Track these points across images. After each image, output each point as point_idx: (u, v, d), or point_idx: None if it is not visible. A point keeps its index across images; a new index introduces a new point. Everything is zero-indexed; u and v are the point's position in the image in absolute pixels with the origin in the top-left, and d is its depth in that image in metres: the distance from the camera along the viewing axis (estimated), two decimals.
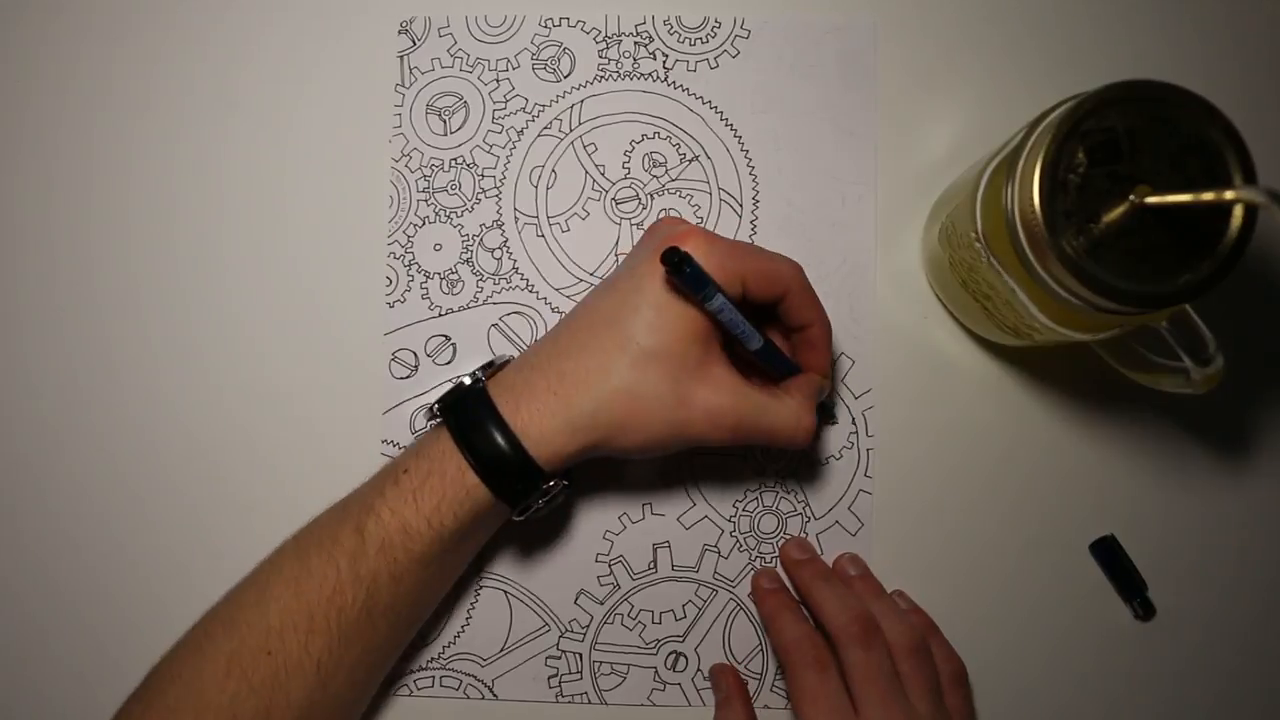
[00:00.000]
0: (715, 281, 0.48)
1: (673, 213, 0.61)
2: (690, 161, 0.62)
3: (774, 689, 0.59)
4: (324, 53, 0.63)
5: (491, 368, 0.53)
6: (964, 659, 0.58)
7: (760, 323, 0.53)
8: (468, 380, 0.52)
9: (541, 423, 0.49)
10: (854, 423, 0.60)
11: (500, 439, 0.49)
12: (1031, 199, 0.44)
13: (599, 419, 0.49)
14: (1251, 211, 0.43)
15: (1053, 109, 0.46)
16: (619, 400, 0.49)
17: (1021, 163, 0.45)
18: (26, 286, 0.62)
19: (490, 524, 0.53)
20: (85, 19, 0.63)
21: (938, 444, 0.61)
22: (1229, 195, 0.41)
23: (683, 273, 0.46)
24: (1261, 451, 0.60)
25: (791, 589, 0.59)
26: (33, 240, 0.62)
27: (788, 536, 0.60)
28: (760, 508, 0.60)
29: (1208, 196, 0.42)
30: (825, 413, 0.60)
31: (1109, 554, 0.59)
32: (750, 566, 0.60)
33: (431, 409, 0.52)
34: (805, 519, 0.60)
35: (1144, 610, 0.59)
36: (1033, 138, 0.45)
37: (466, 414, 0.50)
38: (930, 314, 0.61)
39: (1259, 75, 0.62)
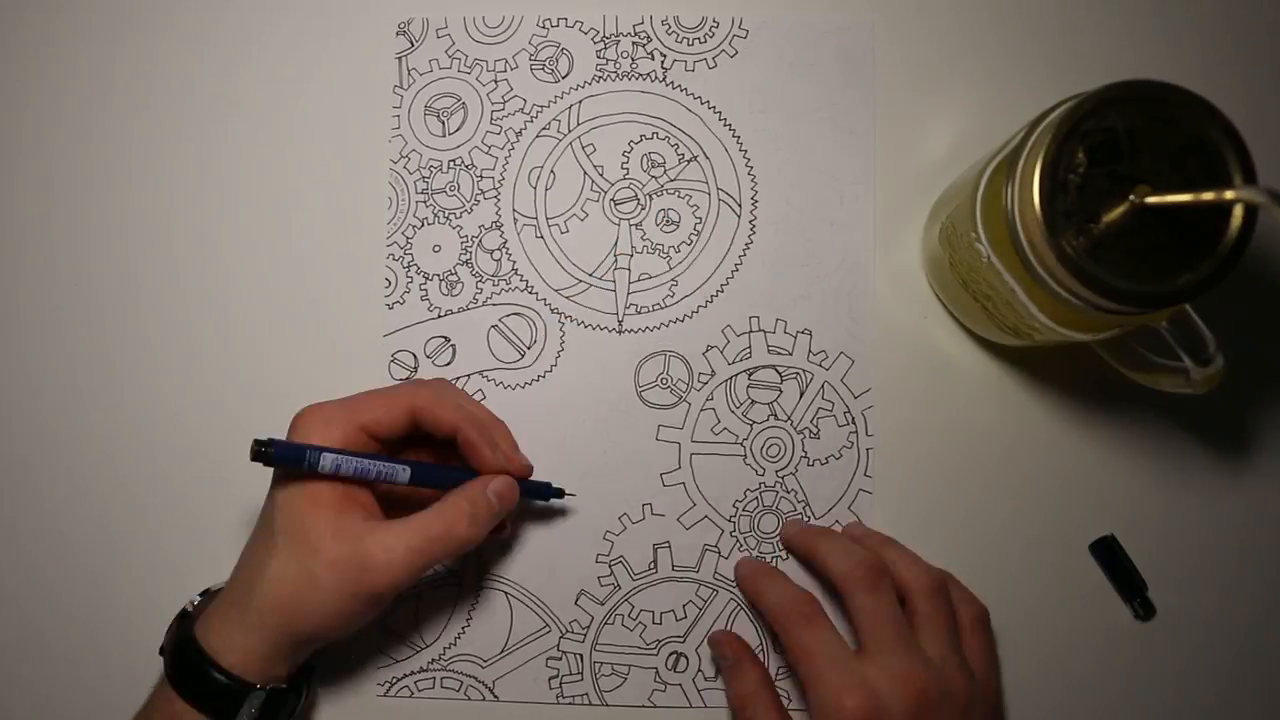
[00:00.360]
0: (306, 445, 0.50)
1: (671, 214, 0.61)
2: (689, 161, 0.62)
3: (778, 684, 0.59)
4: (322, 54, 0.63)
5: (207, 594, 0.55)
6: None
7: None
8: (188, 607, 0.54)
9: (224, 634, 0.50)
10: (853, 422, 0.60)
11: (193, 657, 0.50)
12: (1031, 199, 0.44)
13: (266, 611, 0.50)
14: (1251, 211, 0.43)
15: (1053, 109, 0.46)
16: (276, 587, 0.50)
17: (1021, 163, 0.45)
18: (26, 286, 0.62)
19: None
20: (85, 19, 0.63)
21: (938, 444, 0.60)
22: (1229, 195, 0.41)
23: (271, 458, 0.49)
24: (1261, 451, 0.60)
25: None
26: (32, 239, 0.62)
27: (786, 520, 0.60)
28: (760, 508, 0.60)
29: (1208, 196, 0.42)
30: (552, 493, 0.59)
31: (1109, 554, 0.59)
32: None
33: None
34: (805, 519, 0.60)
35: (1144, 610, 0.59)
36: (1033, 138, 0.45)
37: (172, 645, 0.51)
38: (930, 314, 0.61)
39: (1259, 75, 0.62)
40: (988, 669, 0.54)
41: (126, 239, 0.62)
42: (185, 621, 0.52)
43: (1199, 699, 0.59)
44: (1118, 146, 0.43)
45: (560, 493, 0.59)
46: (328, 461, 0.50)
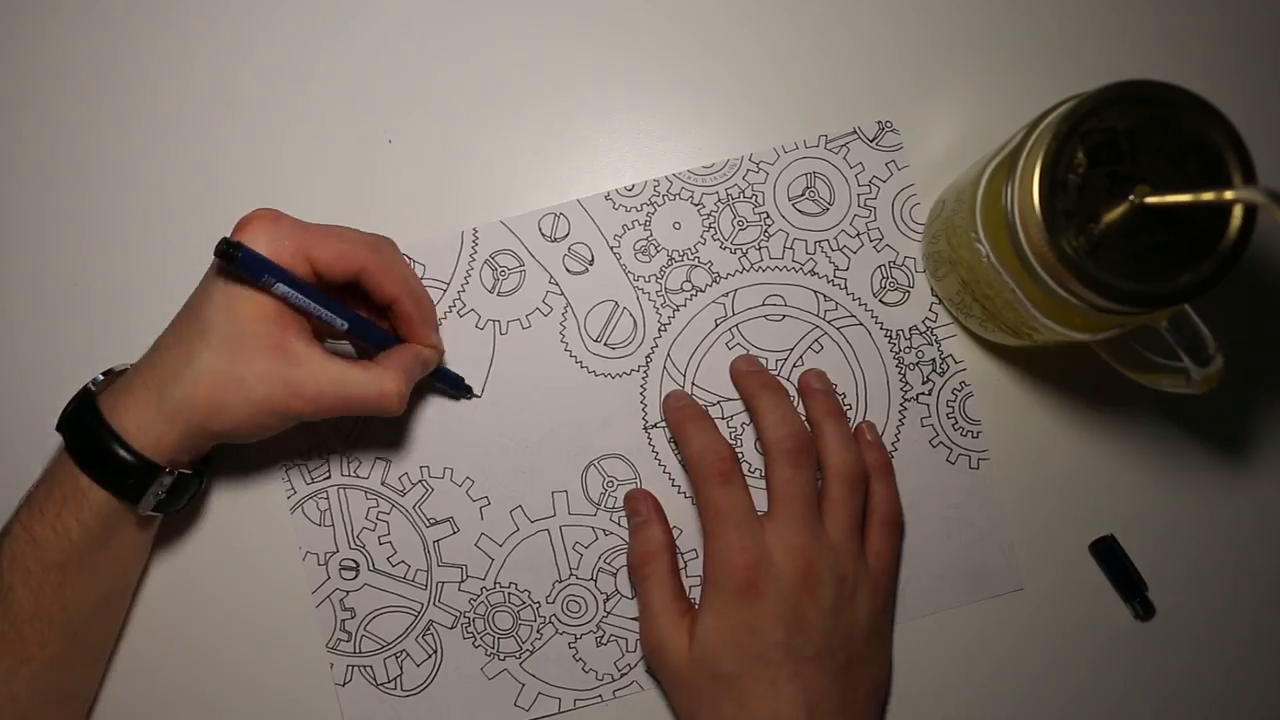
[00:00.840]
0: (276, 266, 0.50)
1: None
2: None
3: None
4: (321, 54, 0.63)
5: (110, 374, 0.55)
6: (963, 659, 0.58)
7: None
8: (91, 386, 0.54)
9: (137, 415, 0.51)
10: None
11: (103, 437, 0.50)
12: (1031, 199, 0.44)
13: (187, 405, 0.50)
14: (1251, 211, 0.43)
15: (1053, 109, 0.46)
16: (202, 384, 0.50)
17: (1021, 163, 0.45)
18: (24, 285, 0.62)
19: (129, 521, 0.54)
20: (83, 19, 0.63)
21: None
22: (1229, 195, 0.41)
23: (235, 260, 0.48)
24: (1261, 451, 0.60)
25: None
26: (31, 239, 0.62)
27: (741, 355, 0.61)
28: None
29: (1207, 196, 0.42)
30: (459, 386, 0.60)
31: (1109, 554, 0.59)
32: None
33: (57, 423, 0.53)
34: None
35: (1144, 610, 0.59)
36: (1033, 138, 0.45)
37: (75, 421, 0.52)
38: (930, 314, 0.61)
39: (1259, 75, 0.62)
40: (884, 565, 0.56)
41: (123, 236, 0.62)
42: (90, 399, 0.52)
43: (1199, 699, 0.59)
44: (1118, 146, 0.43)
45: (469, 391, 0.60)
46: (279, 288, 0.50)
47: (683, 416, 0.58)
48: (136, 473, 0.51)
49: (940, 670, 0.58)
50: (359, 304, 0.55)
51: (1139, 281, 0.43)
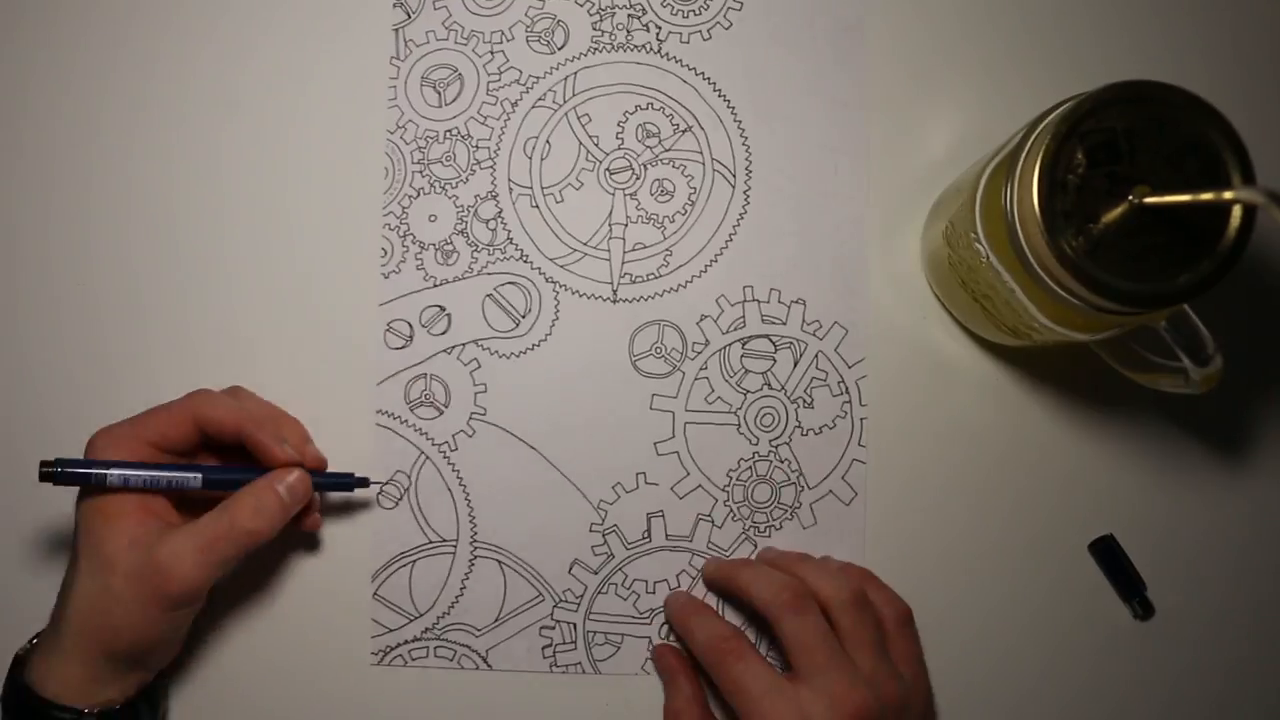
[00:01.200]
0: (96, 462, 0.51)
1: (665, 184, 0.62)
2: (684, 132, 0.62)
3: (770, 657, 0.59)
4: (319, 27, 0.63)
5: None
6: (962, 658, 0.59)
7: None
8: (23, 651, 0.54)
9: (47, 663, 0.51)
10: (847, 392, 0.61)
11: (24, 699, 0.50)
12: (1031, 199, 0.44)
13: (77, 634, 0.50)
14: (1250, 211, 0.43)
15: (1052, 109, 0.46)
16: (81, 612, 0.50)
17: (1021, 163, 0.45)
18: (26, 284, 0.62)
19: None
20: (83, 18, 0.63)
21: (937, 445, 0.61)
22: (1228, 195, 0.41)
23: (58, 478, 0.50)
24: (1260, 451, 0.60)
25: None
26: (32, 238, 0.62)
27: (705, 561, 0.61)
28: (754, 477, 0.60)
29: (1206, 197, 0.42)
30: (348, 483, 0.58)
31: (1108, 554, 0.59)
32: (744, 536, 0.60)
33: None
34: (799, 488, 0.60)
35: (1143, 610, 0.59)
36: (1032, 138, 0.45)
37: (5, 687, 0.52)
38: (930, 314, 0.61)
39: (1259, 75, 0.62)
40: (916, 669, 0.55)
41: (126, 214, 0.62)
42: (18, 665, 0.53)
43: (1198, 699, 0.59)
44: (1117, 147, 0.43)
45: (364, 481, 0.58)
46: (115, 476, 0.51)
47: (683, 614, 0.58)
48: (41, 716, 0.50)
49: (939, 670, 0.57)
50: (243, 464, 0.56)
51: (1138, 282, 0.43)
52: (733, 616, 0.60)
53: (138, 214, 0.62)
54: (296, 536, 0.59)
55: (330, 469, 0.58)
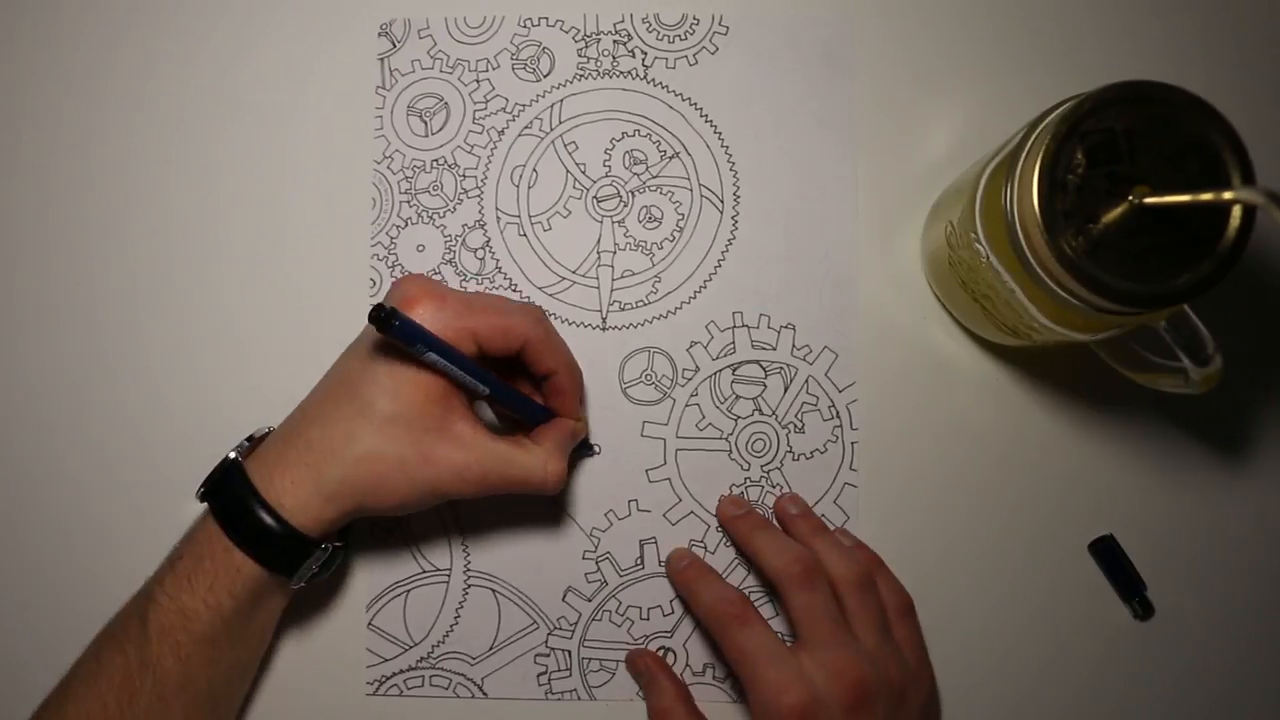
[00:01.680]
0: (430, 335, 0.49)
1: (653, 211, 0.62)
2: (671, 158, 0.62)
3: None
4: (307, 56, 0.63)
5: (252, 441, 0.55)
6: (963, 658, 0.58)
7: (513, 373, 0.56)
8: (233, 455, 0.53)
9: (296, 492, 0.50)
10: (838, 416, 0.61)
11: (260, 514, 0.50)
12: (1030, 199, 0.44)
13: (348, 485, 0.50)
14: (1250, 212, 0.43)
15: (1052, 109, 0.46)
16: (364, 466, 0.50)
17: (1020, 163, 0.45)
18: (24, 285, 0.62)
19: (276, 593, 0.54)
20: (82, 20, 0.63)
21: (937, 444, 0.60)
22: (1227, 196, 0.41)
23: (391, 328, 0.47)
24: (1260, 451, 0.60)
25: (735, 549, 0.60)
26: (30, 239, 0.62)
27: (724, 495, 0.60)
28: None
29: (1206, 197, 0.42)
30: (584, 448, 0.60)
31: (1108, 554, 0.59)
32: (736, 562, 0.60)
33: (198, 491, 0.53)
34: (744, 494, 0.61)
35: (1143, 610, 0.59)
36: (1032, 138, 0.45)
37: (226, 494, 0.51)
38: (930, 314, 0.61)
39: (1259, 75, 0.62)
40: (919, 653, 0.56)
41: (123, 239, 0.62)
42: (239, 472, 0.52)
43: (1198, 698, 0.59)
44: (1117, 147, 0.43)
45: (592, 449, 0.60)
46: (431, 357, 0.49)
47: (687, 576, 0.58)
48: (293, 550, 0.51)
49: (940, 670, 0.58)
50: (511, 375, 0.56)
51: (1138, 282, 0.43)
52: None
53: (135, 218, 0.62)
54: None
55: None
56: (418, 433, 0.50)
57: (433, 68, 0.62)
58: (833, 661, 0.51)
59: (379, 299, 0.61)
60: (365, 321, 0.59)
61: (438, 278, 0.61)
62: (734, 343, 0.61)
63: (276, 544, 0.50)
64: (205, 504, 0.52)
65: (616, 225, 0.62)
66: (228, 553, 0.50)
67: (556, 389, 0.55)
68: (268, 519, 0.50)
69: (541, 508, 0.60)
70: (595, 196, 0.62)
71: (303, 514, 0.50)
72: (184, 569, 0.51)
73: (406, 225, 0.62)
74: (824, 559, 0.55)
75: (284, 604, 0.56)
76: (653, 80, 0.62)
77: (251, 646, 0.55)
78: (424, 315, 0.50)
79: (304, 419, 0.52)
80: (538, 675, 0.59)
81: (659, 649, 0.59)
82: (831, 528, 0.60)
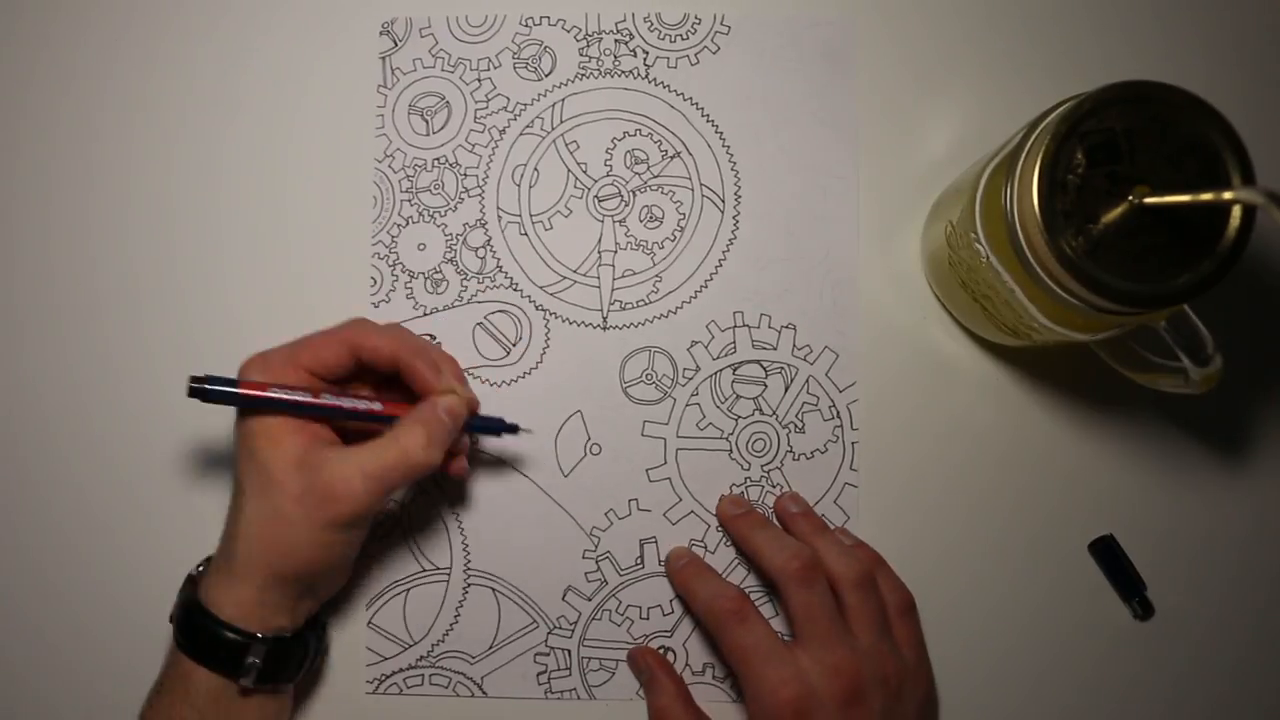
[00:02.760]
0: (241, 380, 0.51)
1: (654, 210, 0.62)
2: (672, 158, 0.62)
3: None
4: (308, 55, 0.63)
5: (208, 561, 0.55)
6: (963, 658, 0.58)
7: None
8: (194, 571, 0.55)
9: (221, 587, 0.51)
10: (838, 416, 0.61)
11: (194, 615, 0.51)
12: (1030, 199, 0.44)
13: (249, 557, 0.50)
14: (1250, 212, 0.43)
15: (1052, 109, 0.46)
16: (252, 532, 0.50)
17: (1020, 163, 0.45)
18: (25, 285, 0.62)
19: (239, 700, 0.52)
20: (83, 19, 0.63)
21: (937, 444, 0.60)
22: (1227, 196, 0.41)
23: (209, 396, 0.50)
24: (1260, 451, 0.60)
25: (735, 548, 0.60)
26: (31, 239, 0.62)
27: (724, 495, 0.60)
28: None
29: (1206, 197, 0.42)
30: (500, 428, 0.58)
31: (1108, 554, 0.59)
32: (736, 561, 0.60)
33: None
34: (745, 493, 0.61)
35: (1143, 610, 0.59)
36: (1032, 138, 0.45)
37: (178, 607, 0.53)
38: (930, 314, 0.61)
39: (1259, 75, 0.62)
40: (918, 652, 0.56)
41: (124, 239, 0.62)
42: (189, 586, 0.53)
43: (1198, 698, 0.59)
44: (1117, 147, 0.43)
45: (514, 428, 0.58)
46: (261, 399, 0.51)
47: (686, 574, 0.58)
48: (228, 645, 0.50)
49: (940, 670, 0.57)
50: (392, 395, 0.55)
51: (1138, 282, 0.43)
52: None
53: (136, 217, 0.62)
54: None
55: None
56: (278, 479, 0.50)
57: (434, 66, 0.62)
58: (829, 659, 0.51)
59: (380, 298, 0.61)
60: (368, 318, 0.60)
61: (439, 277, 0.61)
62: (734, 342, 0.61)
63: (212, 643, 0.51)
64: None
65: (617, 225, 0.62)
66: (180, 664, 0.51)
67: (408, 374, 0.54)
68: (200, 618, 0.51)
69: (542, 508, 0.60)
70: (596, 196, 0.62)
71: (229, 606, 0.51)
72: (154, 692, 0.52)
73: (407, 224, 0.62)
74: (824, 557, 0.55)
75: (268, 714, 0.54)
76: (654, 80, 0.62)
77: None
78: (251, 375, 0.51)
79: (225, 524, 0.53)
80: (537, 674, 0.59)
81: (659, 648, 0.59)
82: (832, 527, 0.60)
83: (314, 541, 0.50)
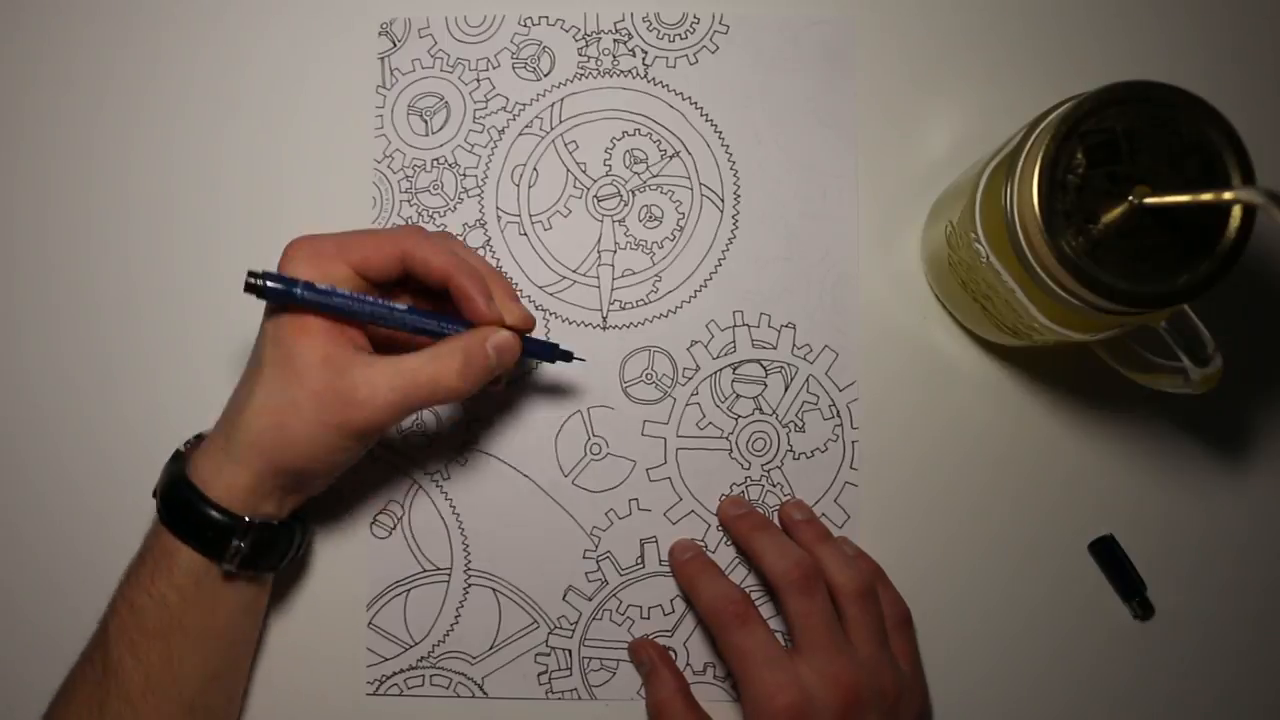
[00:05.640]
0: (306, 282, 0.49)
1: (653, 210, 0.62)
2: (671, 157, 0.62)
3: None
4: (308, 56, 0.63)
5: (199, 437, 0.54)
6: (962, 658, 0.58)
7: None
8: (180, 448, 0.53)
9: (212, 466, 0.50)
10: (838, 415, 0.61)
11: (188, 495, 0.50)
12: (1030, 199, 0.44)
13: (252, 442, 0.49)
14: (1250, 212, 0.43)
15: (1052, 109, 0.46)
16: (261, 417, 0.49)
17: (1020, 163, 0.45)
18: (24, 285, 0.62)
19: (225, 588, 0.52)
20: (83, 19, 0.63)
21: (937, 444, 0.60)
22: (1227, 196, 0.41)
23: (263, 291, 0.48)
24: (1260, 451, 0.60)
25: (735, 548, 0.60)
26: (30, 239, 0.62)
27: (724, 495, 0.60)
28: None
29: (1206, 197, 0.42)
30: (554, 355, 0.56)
31: (1108, 554, 0.59)
32: (736, 560, 0.60)
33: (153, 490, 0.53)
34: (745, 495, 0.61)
35: (1143, 610, 0.59)
36: (1032, 138, 0.45)
37: (166, 484, 0.51)
38: (930, 314, 0.61)
39: (1259, 75, 0.62)
40: (914, 666, 0.56)
41: (123, 239, 0.62)
42: (177, 461, 0.52)
43: (1198, 699, 0.59)
44: (1117, 147, 0.43)
45: (568, 355, 0.57)
46: (317, 295, 0.49)
47: (690, 570, 0.58)
48: (215, 526, 0.50)
49: (940, 669, 0.58)
50: (431, 305, 0.54)
51: (1138, 282, 0.43)
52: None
53: (136, 217, 0.62)
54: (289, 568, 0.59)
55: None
56: (300, 370, 0.49)
57: (433, 67, 0.62)
58: (829, 669, 0.51)
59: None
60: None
61: None
62: (734, 342, 0.61)
63: (198, 520, 0.50)
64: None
65: (617, 224, 0.62)
66: (164, 541, 0.50)
67: (458, 294, 0.51)
68: (189, 495, 0.50)
69: (542, 507, 0.60)
70: (596, 196, 0.62)
71: (219, 486, 0.50)
72: (133, 566, 0.51)
73: (407, 224, 0.61)
74: (826, 566, 0.55)
75: (246, 601, 0.54)
76: (653, 79, 0.62)
77: (219, 649, 0.53)
78: (300, 264, 0.49)
79: (228, 404, 0.52)
80: (538, 674, 0.59)
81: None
82: (835, 534, 0.60)
83: (321, 442, 0.49)
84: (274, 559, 0.53)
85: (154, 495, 0.52)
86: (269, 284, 0.48)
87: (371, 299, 0.50)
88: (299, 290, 0.48)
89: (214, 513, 0.50)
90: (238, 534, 0.50)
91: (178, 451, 0.53)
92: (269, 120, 0.63)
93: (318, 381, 0.49)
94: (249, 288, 0.47)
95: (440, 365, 0.50)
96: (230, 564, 0.50)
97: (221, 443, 0.50)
